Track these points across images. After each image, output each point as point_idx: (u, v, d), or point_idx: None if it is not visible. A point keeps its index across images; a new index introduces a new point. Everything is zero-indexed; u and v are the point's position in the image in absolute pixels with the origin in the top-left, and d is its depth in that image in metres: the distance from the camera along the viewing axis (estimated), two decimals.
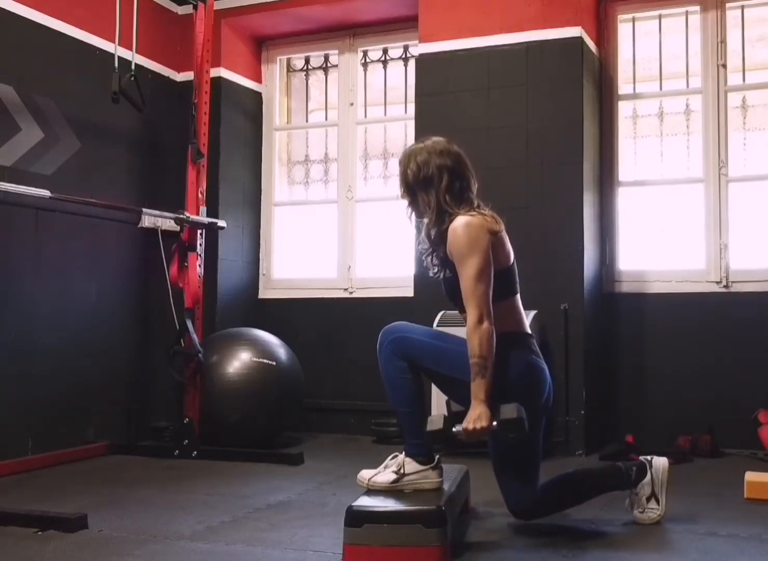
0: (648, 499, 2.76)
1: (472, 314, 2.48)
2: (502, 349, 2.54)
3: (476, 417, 2.44)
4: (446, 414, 2.61)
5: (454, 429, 2.49)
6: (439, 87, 4.60)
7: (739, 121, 4.56)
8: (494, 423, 2.45)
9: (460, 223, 2.54)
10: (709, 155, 4.50)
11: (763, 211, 4.44)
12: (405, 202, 2.74)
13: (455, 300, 2.62)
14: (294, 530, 2.77)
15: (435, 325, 4.00)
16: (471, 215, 2.57)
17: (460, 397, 2.60)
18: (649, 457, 2.82)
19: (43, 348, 4.10)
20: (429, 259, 2.74)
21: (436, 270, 2.73)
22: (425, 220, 2.70)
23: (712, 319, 4.37)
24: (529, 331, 2.71)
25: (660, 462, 2.79)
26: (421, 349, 2.61)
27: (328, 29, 5.27)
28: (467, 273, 2.50)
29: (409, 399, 2.60)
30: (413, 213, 2.74)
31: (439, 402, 4.11)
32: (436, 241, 2.65)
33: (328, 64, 5.43)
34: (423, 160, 2.64)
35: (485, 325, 2.46)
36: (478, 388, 2.45)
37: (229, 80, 5.17)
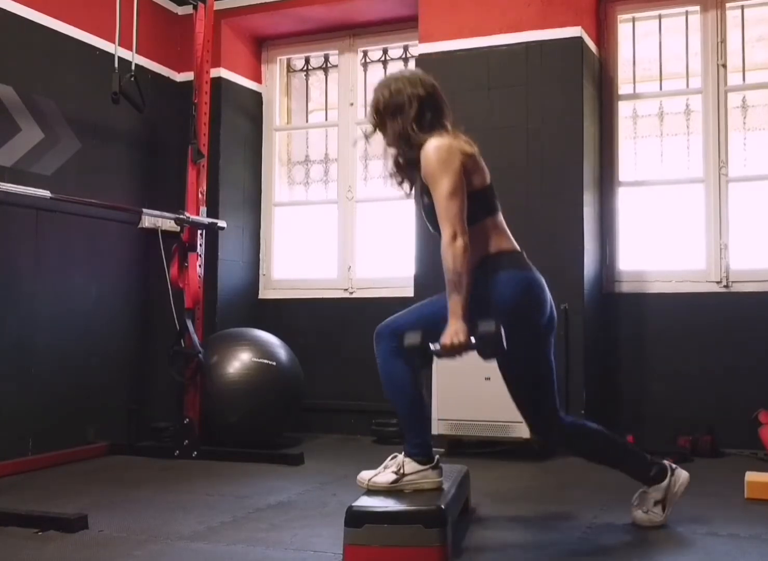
0: (656, 504, 2.75)
1: (445, 232, 2.47)
2: (495, 269, 2.54)
3: (453, 333, 2.42)
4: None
5: (431, 346, 2.46)
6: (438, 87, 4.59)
7: (739, 121, 4.56)
8: (472, 338, 2.42)
9: (431, 145, 2.54)
10: (709, 155, 4.50)
11: (763, 211, 4.44)
12: (372, 128, 2.73)
13: (434, 226, 2.61)
14: (294, 530, 2.77)
15: None
16: (441, 137, 2.57)
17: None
18: (674, 465, 2.80)
19: (43, 348, 4.10)
20: (398, 182, 2.74)
21: (408, 190, 2.73)
22: (392, 148, 2.70)
23: (712, 319, 4.36)
24: (518, 248, 2.67)
25: (682, 475, 2.78)
26: (410, 321, 2.61)
27: (328, 29, 5.27)
28: (439, 192, 2.50)
29: (408, 399, 2.60)
30: (383, 139, 2.72)
31: (440, 401, 4.12)
32: (409, 168, 2.66)
33: (328, 65, 5.43)
34: (396, 88, 2.66)
35: (459, 241, 2.45)
36: (454, 304, 2.43)
37: (229, 80, 5.17)
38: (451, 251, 2.45)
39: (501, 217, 2.68)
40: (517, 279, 2.57)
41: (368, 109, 2.74)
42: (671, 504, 2.76)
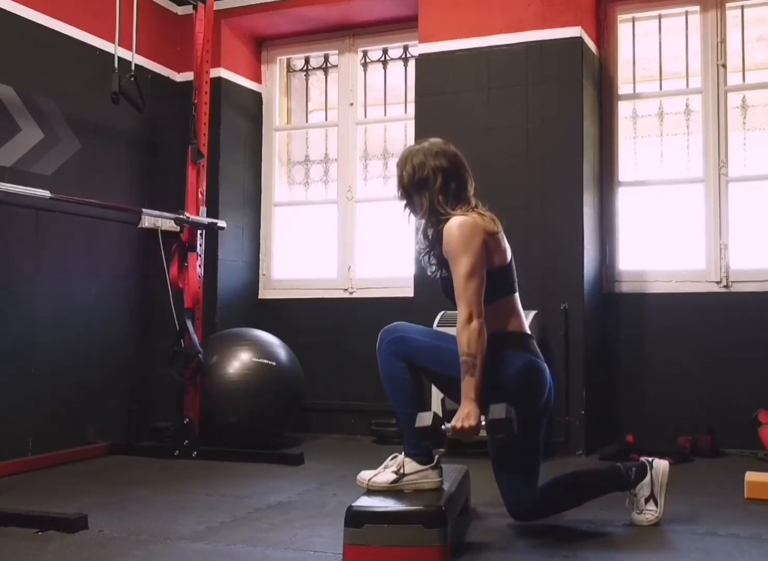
0: (647, 501, 2.76)
1: (462, 312, 2.49)
2: (500, 348, 2.55)
3: (465, 415, 2.44)
4: (437, 412, 2.60)
5: (443, 427, 2.48)
6: (438, 87, 4.60)
7: (739, 121, 4.56)
8: (482, 422, 2.44)
9: (454, 222, 2.56)
10: (709, 155, 4.50)
11: (763, 211, 4.44)
12: (402, 204, 2.75)
13: (452, 299, 2.62)
14: (294, 530, 2.77)
15: (435, 325, 4.00)
16: (465, 215, 2.59)
17: (456, 396, 2.60)
18: (650, 459, 2.81)
19: (43, 348, 4.10)
20: (426, 258, 2.76)
21: (433, 269, 2.74)
22: (422, 221, 2.71)
23: (712, 319, 4.36)
24: (529, 332, 2.71)
25: (660, 464, 2.78)
26: (419, 349, 2.62)
27: (328, 29, 5.27)
28: (459, 271, 2.52)
29: (408, 399, 2.60)
30: (410, 214, 2.75)
31: (439, 402, 4.11)
32: (433, 241, 2.68)
33: (328, 65, 5.43)
34: (419, 162, 2.66)
35: (474, 323, 2.47)
36: (467, 386, 2.45)
37: (229, 80, 5.17)
38: (467, 333, 2.46)
39: (517, 296, 2.70)
40: (522, 362, 2.60)
41: (394, 184, 2.76)
42: (662, 495, 2.76)
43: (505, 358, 2.57)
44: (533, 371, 2.62)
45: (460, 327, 2.48)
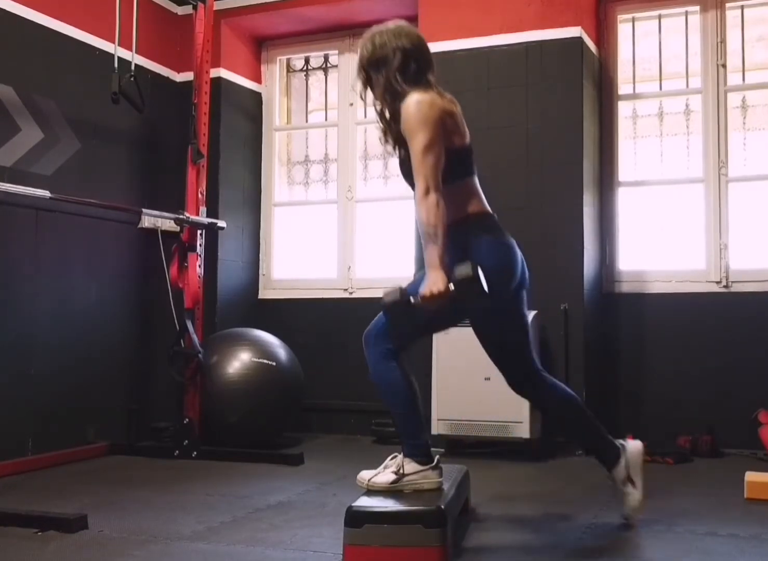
0: (624, 483, 2.74)
1: (419, 186, 2.47)
2: (466, 234, 2.54)
3: (432, 282, 2.40)
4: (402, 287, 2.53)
5: (411, 299, 2.43)
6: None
7: (739, 121, 4.56)
8: (451, 286, 2.38)
9: (412, 99, 2.54)
10: (709, 155, 4.50)
11: (763, 211, 4.44)
12: (360, 85, 2.72)
13: (410, 181, 2.61)
14: (294, 531, 2.77)
15: None
16: (425, 92, 2.57)
17: (434, 315, 2.54)
18: (622, 441, 2.80)
19: (43, 348, 4.10)
20: (384, 138, 2.72)
21: (390, 149, 2.71)
22: (380, 102, 2.68)
23: (712, 319, 4.37)
24: (490, 211, 2.69)
25: (633, 446, 2.78)
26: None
27: (328, 29, 5.27)
28: (416, 146, 2.49)
29: (403, 400, 2.60)
30: (370, 94, 2.71)
31: (439, 402, 4.12)
32: (390, 121, 2.65)
33: (328, 65, 5.43)
34: (380, 41, 2.66)
35: (432, 196, 2.44)
36: (431, 254, 2.42)
37: (228, 80, 5.17)
38: (425, 205, 2.44)
39: (476, 180, 2.69)
40: (493, 245, 2.59)
41: (356, 64, 2.75)
42: (638, 475, 2.74)
43: (473, 246, 2.54)
44: (504, 251, 2.62)
45: (418, 200, 2.46)
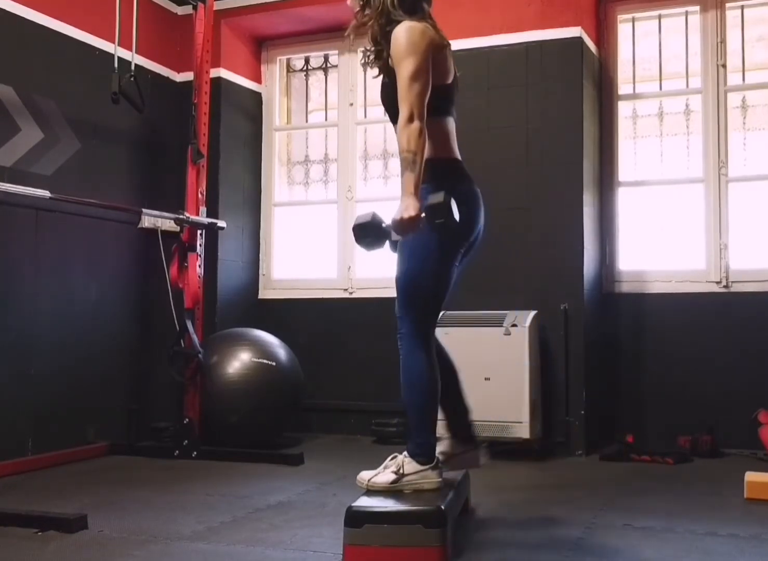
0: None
1: (403, 113, 2.47)
2: (435, 178, 2.53)
3: (405, 207, 2.40)
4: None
5: (383, 224, 2.45)
6: None
7: (739, 121, 4.56)
8: (422, 214, 2.39)
9: (403, 26, 2.55)
10: (709, 155, 4.50)
11: (763, 211, 4.44)
12: (357, 10, 2.72)
13: (388, 109, 2.61)
14: (294, 531, 2.77)
15: None
16: (417, 21, 2.58)
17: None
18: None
19: (43, 348, 4.10)
20: (371, 60, 2.72)
21: (376, 73, 2.72)
22: (373, 26, 2.67)
23: (712, 319, 4.37)
24: (459, 157, 2.69)
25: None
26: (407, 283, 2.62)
27: (328, 29, 5.26)
28: (403, 73, 2.50)
29: (423, 396, 2.58)
30: (364, 18, 2.70)
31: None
32: (382, 44, 2.65)
33: (328, 65, 5.43)
34: None
35: (416, 123, 2.44)
36: (407, 180, 2.42)
37: (228, 80, 5.17)
38: (407, 132, 2.44)
39: (452, 122, 2.70)
40: (462, 193, 2.57)
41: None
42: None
43: (442, 190, 2.50)
44: (471, 199, 2.63)
45: (401, 126, 2.46)
